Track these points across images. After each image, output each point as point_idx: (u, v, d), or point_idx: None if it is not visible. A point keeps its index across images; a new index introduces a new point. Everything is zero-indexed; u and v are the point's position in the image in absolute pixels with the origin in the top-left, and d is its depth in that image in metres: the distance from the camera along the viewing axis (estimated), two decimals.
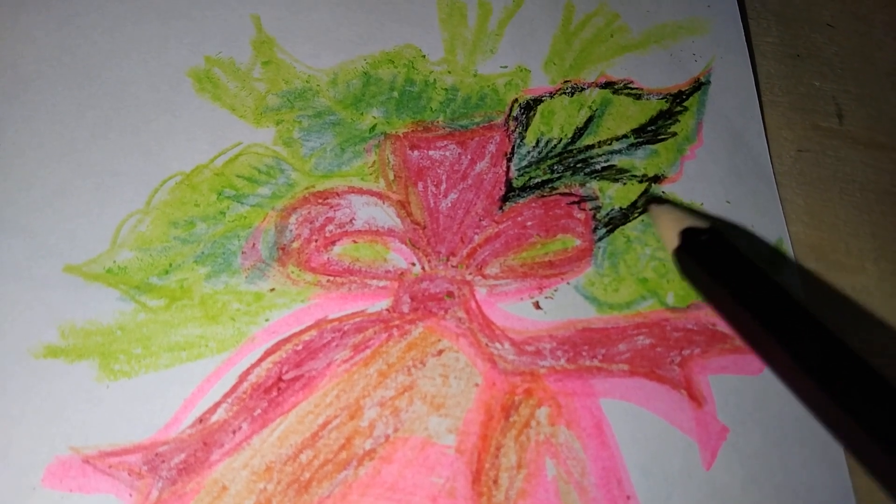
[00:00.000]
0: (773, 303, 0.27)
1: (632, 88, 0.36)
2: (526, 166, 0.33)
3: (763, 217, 0.34)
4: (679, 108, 0.36)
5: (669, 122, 0.35)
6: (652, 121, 0.35)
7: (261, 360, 0.29)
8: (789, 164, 0.36)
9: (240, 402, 0.28)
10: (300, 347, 0.29)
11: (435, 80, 0.35)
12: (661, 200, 0.33)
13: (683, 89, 0.36)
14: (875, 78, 0.39)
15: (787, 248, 0.34)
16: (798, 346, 0.25)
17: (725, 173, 0.35)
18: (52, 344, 0.28)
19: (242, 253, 0.31)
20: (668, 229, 0.31)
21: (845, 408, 0.23)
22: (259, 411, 0.28)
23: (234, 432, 0.27)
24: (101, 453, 0.27)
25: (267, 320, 0.29)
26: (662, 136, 0.35)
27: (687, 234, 0.30)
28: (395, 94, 0.34)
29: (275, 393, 0.28)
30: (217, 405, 0.28)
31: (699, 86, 0.36)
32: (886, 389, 0.23)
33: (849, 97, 0.38)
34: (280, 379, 0.28)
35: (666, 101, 0.36)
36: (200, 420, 0.28)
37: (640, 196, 0.33)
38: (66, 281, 0.29)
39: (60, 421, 0.27)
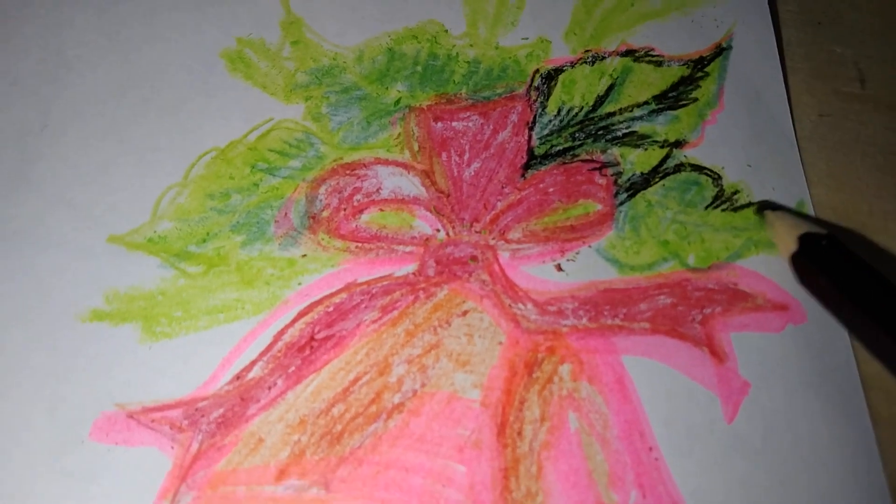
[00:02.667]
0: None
1: (653, 56, 0.36)
2: (548, 135, 0.34)
3: (784, 179, 0.34)
4: (700, 74, 0.36)
5: (691, 87, 0.36)
6: (673, 87, 0.36)
7: (294, 321, 0.30)
8: (810, 128, 0.36)
9: (275, 360, 0.29)
10: (331, 309, 0.30)
11: (457, 53, 0.36)
12: (775, 206, 0.34)
13: (705, 55, 0.37)
14: None
15: (809, 209, 0.34)
16: None
17: (747, 138, 0.35)
18: (97, 308, 0.30)
19: (275, 222, 0.32)
20: (785, 234, 0.32)
21: None
22: (293, 368, 0.29)
23: (269, 388, 0.29)
24: (145, 409, 0.28)
25: (299, 284, 0.31)
26: (684, 102, 0.36)
27: (805, 240, 0.31)
28: (419, 68, 0.35)
29: (308, 351, 0.29)
30: (253, 363, 0.29)
31: (720, 51, 0.37)
32: None
33: (870, 61, 0.38)
34: (312, 338, 0.30)
35: (687, 67, 0.36)
36: (237, 377, 0.29)
37: (758, 204, 0.34)
38: (110, 250, 0.31)
39: (106, 379, 0.29)
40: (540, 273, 0.32)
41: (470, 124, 0.34)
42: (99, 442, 0.28)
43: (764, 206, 0.34)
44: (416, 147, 0.34)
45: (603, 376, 0.30)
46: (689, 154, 0.34)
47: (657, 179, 0.34)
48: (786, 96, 0.36)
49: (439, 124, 0.34)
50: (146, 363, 0.29)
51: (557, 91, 0.35)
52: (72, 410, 0.28)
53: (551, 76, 0.35)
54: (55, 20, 0.35)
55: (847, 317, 0.29)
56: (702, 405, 0.30)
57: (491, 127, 0.34)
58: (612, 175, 0.34)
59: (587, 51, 0.36)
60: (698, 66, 0.36)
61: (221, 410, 0.28)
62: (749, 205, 0.33)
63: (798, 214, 0.33)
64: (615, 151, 0.34)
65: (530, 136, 0.34)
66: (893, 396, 0.31)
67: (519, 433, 0.28)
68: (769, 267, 0.32)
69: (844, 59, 0.39)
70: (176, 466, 0.27)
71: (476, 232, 0.32)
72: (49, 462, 0.27)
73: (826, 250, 0.30)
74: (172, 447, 0.28)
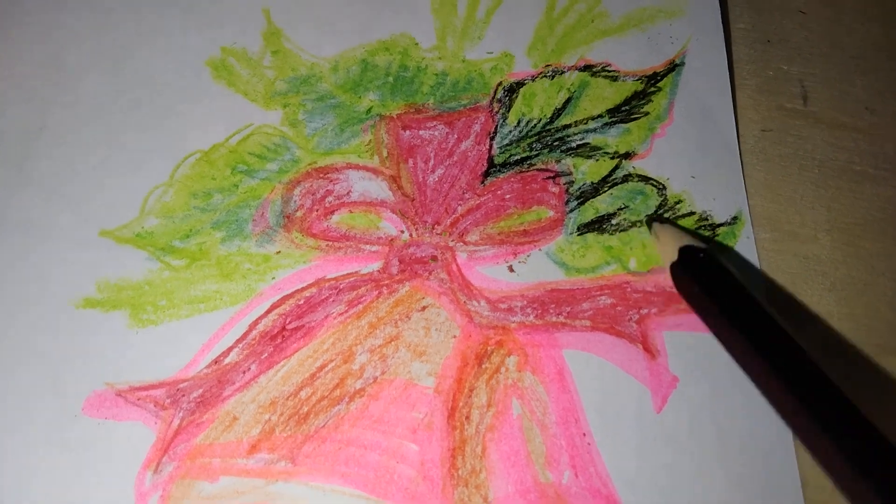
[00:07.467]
0: (757, 321, 0.30)
1: (609, 71, 0.39)
2: (507, 144, 0.37)
3: (725, 191, 0.37)
4: (653, 89, 0.39)
5: (643, 102, 0.39)
6: (626, 101, 0.39)
7: (268, 312, 0.33)
8: (752, 142, 0.39)
9: (249, 347, 0.33)
10: (302, 302, 0.33)
11: (426, 65, 0.38)
12: (663, 219, 0.36)
13: (658, 71, 0.40)
14: (842, 61, 0.42)
15: (746, 218, 0.37)
16: (775, 361, 0.28)
17: (693, 150, 0.38)
18: (90, 296, 0.33)
19: (253, 220, 0.35)
20: (667, 245, 0.34)
21: (817, 421, 0.26)
22: (266, 355, 0.32)
23: (244, 372, 0.32)
24: (132, 388, 0.32)
25: (273, 278, 0.34)
26: (635, 116, 0.38)
27: (684, 252, 0.33)
28: (390, 79, 0.38)
29: (279, 340, 0.33)
30: (230, 349, 0.32)
31: (673, 67, 0.40)
32: (851, 409, 0.26)
33: (814, 80, 0.41)
34: (284, 328, 0.33)
35: (641, 82, 0.39)
36: (215, 361, 0.32)
37: (647, 217, 0.36)
38: (101, 243, 0.34)
39: (97, 361, 0.32)
40: (493, 273, 0.35)
41: (435, 133, 0.37)
42: (91, 417, 0.31)
43: (652, 219, 0.36)
44: (385, 153, 0.37)
45: (545, 368, 0.33)
46: (637, 165, 0.37)
47: (606, 189, 0.37)
48: (733, 111, 0.39)
49: (407, 132, 0.37)
50: (134, 347, 0.32)
51: (518, 103, 0.38)
52: (66, 388, 0.31)
53: (513, 89, 0.38)
54: (53, 28, 0.38)
55: (713, 324, 0.32)
56: (633, 396, 0.33)
57: (455, 136, 0.37)
58: (564, 184, 0.37)
59: (547, 65, 0.39)
60: (651, 82, 0.39)
61: (200, 391, 0.32)
62: (690, 214, 0.37)
63: (682, 229, 0.36)
64: (568, 162, 0.37)
65: (491, 146, 0.37)
66: None
67: (467, 417, 0.32)
68: None
69: (790, 77, 0.41)
70: (159, 440, 0.31)
71: (437, 234, 0.35)
72: (47, 434, 0.31)
73: (702, 263, 0.33)
74: (156, 423, 0.31)
